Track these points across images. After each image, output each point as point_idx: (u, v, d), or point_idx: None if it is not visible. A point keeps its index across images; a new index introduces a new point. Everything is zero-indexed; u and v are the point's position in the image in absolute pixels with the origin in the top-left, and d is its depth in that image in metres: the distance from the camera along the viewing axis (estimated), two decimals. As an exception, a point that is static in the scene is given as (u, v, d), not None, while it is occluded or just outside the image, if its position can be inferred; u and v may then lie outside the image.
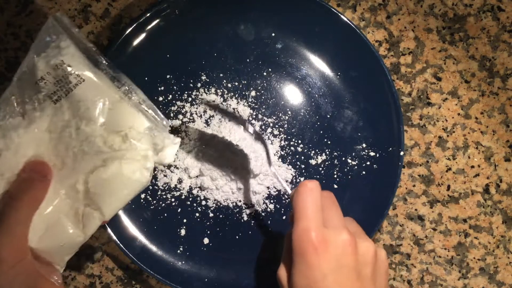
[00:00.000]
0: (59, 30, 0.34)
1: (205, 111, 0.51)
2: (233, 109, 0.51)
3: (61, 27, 0.35)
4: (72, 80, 0.34)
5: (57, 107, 0.34)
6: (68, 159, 0.34)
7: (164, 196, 0.51)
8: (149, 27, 0.51)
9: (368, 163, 0.51)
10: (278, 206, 0.51)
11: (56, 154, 0.34)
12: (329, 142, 0.52)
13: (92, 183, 0.35)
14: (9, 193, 0.33)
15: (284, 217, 0.51)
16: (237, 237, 0.51)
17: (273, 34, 0.52)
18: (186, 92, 0.51)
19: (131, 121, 0.36)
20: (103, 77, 0.36)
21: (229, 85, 0.52)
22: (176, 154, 0.39)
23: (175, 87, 0.51)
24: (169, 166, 0.50)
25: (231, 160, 0.50)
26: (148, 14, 0.50)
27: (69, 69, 0.34)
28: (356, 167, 0.51)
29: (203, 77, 0.52)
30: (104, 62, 0.36)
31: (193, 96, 0.51)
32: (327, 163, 0.51)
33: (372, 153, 0.51)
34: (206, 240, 0.51)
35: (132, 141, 0.36)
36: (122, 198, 0.37)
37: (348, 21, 0.51)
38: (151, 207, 0.51)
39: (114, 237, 0.49)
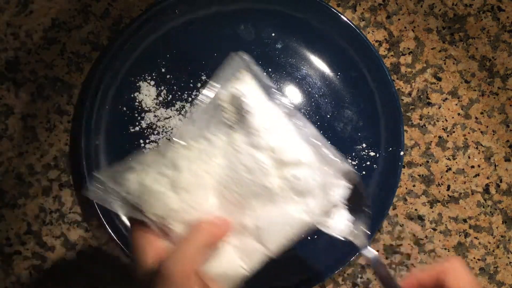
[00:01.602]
0: (240, 65, 0.36)
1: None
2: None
3: (243, 63, 0.36)
4: (246, 108, 0.35)
5: (231, 136, 0.35)
6: (237, 193, 0.35)
7: (164, 196, 0.51)
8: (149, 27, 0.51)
9: (368, 163, 0.51)
10: (278, 206, 0.51)
11: (227, 186, 0.35)
12: (329, 142, 0.51)
13: (260, 220, 0.35)
14: (195, 224, 0.34)
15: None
16: (237, 237, 0.51)
17: (273, 34, 0.52)
18: (186, 92, 0.51)
19: (299, 155, 0.35)
20: (276, 109, 0.36)
21: (229, 85, 0.52)
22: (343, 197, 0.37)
23: (175, 87, 0.51)
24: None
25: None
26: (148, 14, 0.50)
27: (244, 98, 0.35)
28: (356, 167, 0.51)
29: (203, 77, 0.52)
30: (280, 98, 0.37)
31: (193, 96, 0.51)
32: (327, 163, 0.51)
33: (372, 153, 0.51)
34: (206, 240, 0.50)
35: (299, 177, 0.35)
36: (287, 236, 0.36)
37: (348, 21, 0.51)
38: (151, 207, 0.51)
39: (114, 237, 0.49)
